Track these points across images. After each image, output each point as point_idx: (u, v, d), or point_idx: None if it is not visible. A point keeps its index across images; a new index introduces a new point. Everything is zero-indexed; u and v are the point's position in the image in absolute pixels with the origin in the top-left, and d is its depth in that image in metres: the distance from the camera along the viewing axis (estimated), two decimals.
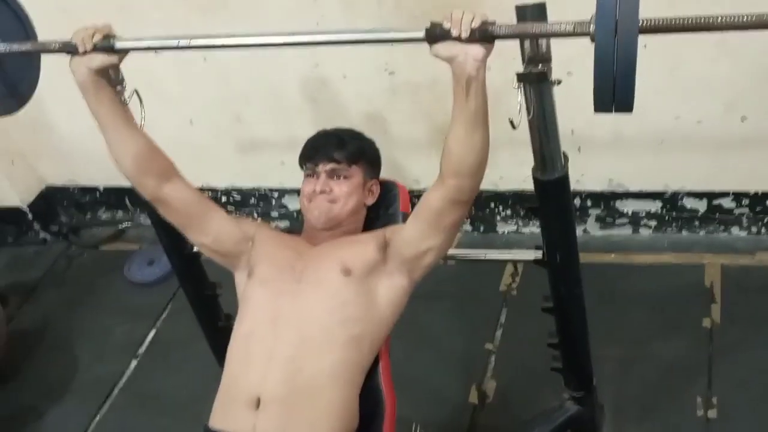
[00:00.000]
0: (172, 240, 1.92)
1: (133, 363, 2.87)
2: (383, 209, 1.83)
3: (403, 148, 2.82)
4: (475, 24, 1.26)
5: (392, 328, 1.69)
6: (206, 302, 2.05)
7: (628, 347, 2.43)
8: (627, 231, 2.88)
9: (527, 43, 1.34)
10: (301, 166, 1.78)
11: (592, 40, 1.16)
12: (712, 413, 2.19)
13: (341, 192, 1.71)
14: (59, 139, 3.33)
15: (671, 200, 2.74)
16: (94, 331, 3.03)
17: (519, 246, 2.92)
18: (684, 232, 2.81)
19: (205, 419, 1.62)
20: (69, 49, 1.50)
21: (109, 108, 1.56)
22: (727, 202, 2.69)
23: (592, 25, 1.16)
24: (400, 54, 2.59)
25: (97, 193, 3.56)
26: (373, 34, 1.46)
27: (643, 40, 2.49)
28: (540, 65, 1.33)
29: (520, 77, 1.34)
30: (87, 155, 3.33)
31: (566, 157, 1.49)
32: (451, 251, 1.70)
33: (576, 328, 1.75)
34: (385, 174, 1.89)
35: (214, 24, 2.73)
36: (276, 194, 3.23)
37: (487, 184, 2.89)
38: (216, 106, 2.99)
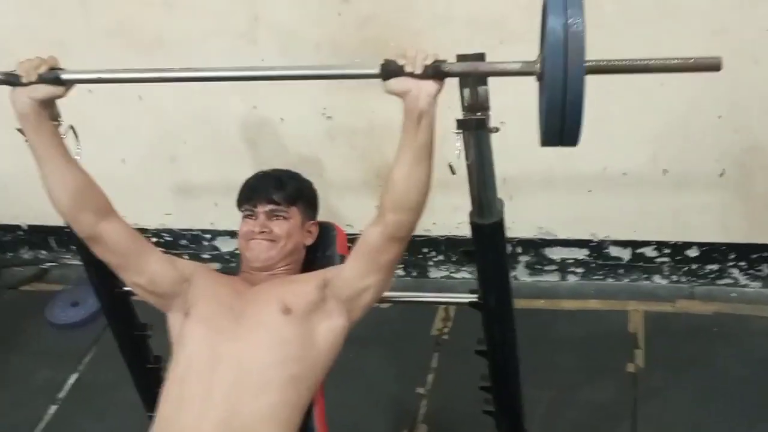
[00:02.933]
0: (102, 278, 1.87)
1: (53, 408, 2.75)
2: (321, 251, 1.84)
3: (339, 192, 2.84)
4: (428, 61, 1.31)
5: (329, 369, 1.68)
6: (135, 343, 1.99)
7: (556, 390, 2.47)
8: (555, 278, 2.96)
9: (466, 92, 1.38)
10: (239, 207, 1.78)
11: (538, 79, 1.23)
12: None
13: (281, 232, 1.72)
14: None
15: (597, 248, 2.83)
16: (12, 375, 2.90)
17: (451, 291, 2.96)
18: (609, 280, 2.90)
19: None
20: (12, 80, 1.46)
21: (49, 141, 1.52)
22: (649, 251, 2.79)
23: (537, 65, 1.24)
24: (339, 98, 2.63)
25: (20, 232, 3.44)
26: (329, 70, 1.54)
27: None
28: (479, 113, 1.38)
29: (460, 124, 1.38)
30: (10, 192, 3.23)
31: (502, 203, 1.53)
32: (388, 294, 1.71)
33: (509, 372, 1.78)
34: (320, 217, 1.91)
35: (149, 63, 2.71)
36: (208, 236, 3.19)
37: (420, 229, 2.92)
38: (150, 146, 2.95)
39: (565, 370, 2.56)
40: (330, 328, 1.63)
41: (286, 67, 1.48)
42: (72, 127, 1.61)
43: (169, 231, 3.20)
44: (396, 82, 1.34)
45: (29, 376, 2.89)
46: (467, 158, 1.43)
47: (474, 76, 1.34)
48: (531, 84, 2.46)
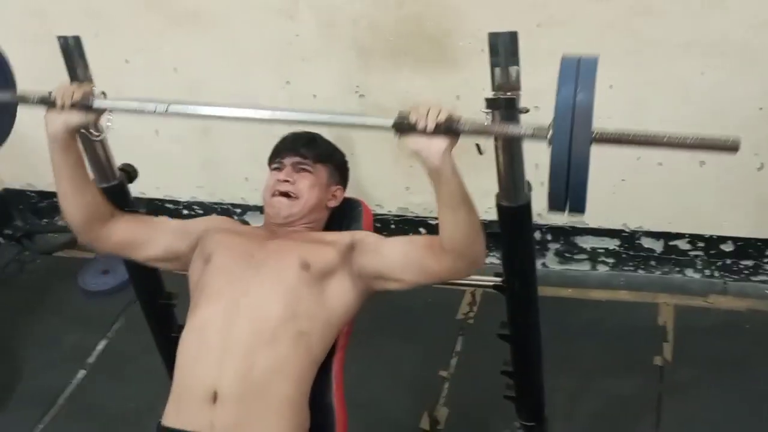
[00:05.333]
0: None
1: (81, 372, 2.81)
2: (345, 226, 1.83)
3: (369, 171, 2.83)
4: (441, 118, 1.31)
5: (344, 330, 1.69)
6: (161, 311, 2.02)
7: (580, 380, 2.45)
8: (585, 267, 2.92)
9: (497, 71, 1.36)
10: (270, 164, 1.81)
11: (549, 144, 1.22)
12: None
13: (303, 185, 1.73)
14: (20, 141, 3.24)
15: (629, 239, 2.79)
16: (43, 339, 2.96)
17: (478, 275, 2.93)
18: (640, 271, 2.86)
19: None
20: (47, 102, 1.52)
21: (74, 163, 1.60)
22: (682, 244, 2.74)
23: (550, 131, 1.22)
24: (372, 76, 2.61)
25: (56, 199, 3.47)
26: (344, 117, 1.53)
27: (608, 80, 2.56)
28: (509, 92, 1.36)
29: (489, 103, 1.36)
30: (47, 159, 3.28)
31: (530, 186, 1.51)
32: None
33: (531, 357, 1.76)
34: (348, 194, 1.90)
35: (186, 35, 2.73)
36: (239, 210, 3.21)
37: None
38: (184, 118, 2.96)
39: (590, 360, 2.53)
40: (346, 289, 1.63)
41: (298, 110, 1.50)
42: (104, 93, 1.63)
43: (200, 204, 3.23)
44: (408, 140, 1.35)
45: (60, 340, 2.95)
46: (496, 138, 1.41)
47: (485, 135, 1.36)
48: None
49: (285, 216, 1.71)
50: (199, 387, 1.52)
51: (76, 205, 1.63)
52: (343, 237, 1.67)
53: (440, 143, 1.32)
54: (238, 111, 1.50)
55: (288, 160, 1.75)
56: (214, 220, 1.80)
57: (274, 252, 1.65)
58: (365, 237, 1.66)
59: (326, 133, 2.38)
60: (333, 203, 1.80)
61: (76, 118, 1.51)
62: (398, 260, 1.56)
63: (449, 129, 1.31)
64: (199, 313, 1.61)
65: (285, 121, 1.53)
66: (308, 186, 1.73)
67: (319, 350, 1.60)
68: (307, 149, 1.75)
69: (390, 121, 1.34)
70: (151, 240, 1.71)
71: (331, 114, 1.49)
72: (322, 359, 1.62)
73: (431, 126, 1.31)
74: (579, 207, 1.25)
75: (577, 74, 1.20)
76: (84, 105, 1.49)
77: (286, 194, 1.71)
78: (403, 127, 1.33)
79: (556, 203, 1.25)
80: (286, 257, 1.62)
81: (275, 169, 1.77)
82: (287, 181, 1.72)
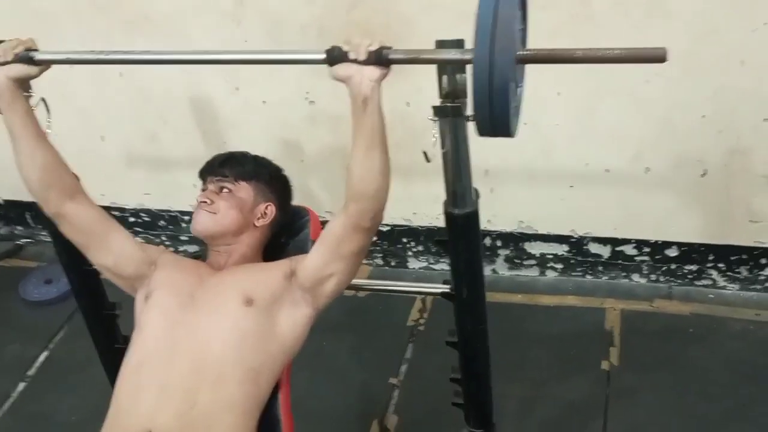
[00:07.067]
0: (72, 254, 1.84)
1: (22, 385, 2.73)
2: (293, 235, 1.82)
3: (319, 178, 2.82)
4: (372, 48, 1.32)
5: (294, 357, 1.66)
6: (104, 321, 1.96)
7: (529, 386, 2.47)
8: (534, 272, 2.95)
9: (445, 79, 1.36)
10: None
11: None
12: None
13: (222, 205, 1.71)
14: None
15: (577, 244, 2.82)
16: None
17: (429, 282, 2.94)
18: (588, 276, 2.89)
19: None
20: None
21: (22, 119, 1.55)
22: (629, 249, 2.78)
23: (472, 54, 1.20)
24: (323, 82, 2.58)
25: None
26: (276, 55, 1.55)
27: (556, 87, 2.58)
28: (456, 100, 1.36)
29: (437, 111, 1.36)
30: None
31: (477, 193, 1.51)
32: (361, 281, 1.69)
33: (479, 364, 1.76)
34: (298, 202, 1.88)
35: (135, 39, 2.68)
36: (186, 217, 3.16)
37: (400, 219, 2.92)
38: (130, 124, 2.91)
39: (539, 365, 2.55)
40: (294, 318, 1.61)
41: (229, 52, 1.57)
42: (43, 100, 1.61)
43: (147, 211, 3.17)
44: (339, 68, 1.35)
45: (0, 351, 2.86)
46: (443, 146, 1.41)
47: (415, 63, 1.35)
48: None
49: (200, 230, 1.70)
50: (132, 427, 1.48)
51: (29, 165, 1.57)
52: (282, 264, 1.66)
53: (372, 72, 1.33)
54: (175, 55, 1.60)
55: (210, 181, 1.76)
56: (165, 252, 1.75)
57: (214, 290, 1.62)
58: (300, 256, 1.65)
59: (274, 142, 2.37)
60: (262, 221, 1.76)
61: (16, 69, 1.49)
62: (320, 252, 1.56)
63: (380, 57, 1.32)
64: (137, 353, 1.58)
65: (217, 62, 1.55)
66: (226, 206, 1.71)
67: (268, 386, 1.58)
68: (225, 168, 1.76)
69: (322, 54, 1.35)
70: (108, 241, 1.66)
71: (263, 53, 1.56)
72: (269, 393, 1.59)
73: (363, 55, 1.32)
74: (506, 131, 1.23)
75: None
76: (25, 57, 1.50)
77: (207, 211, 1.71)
78: (335, 56, 1.34)
79: (483, 128, 1.24)
80: (227, 295, 1.60)
81: (202, 190, 1.77)
82: (205, 202, 1.71)
